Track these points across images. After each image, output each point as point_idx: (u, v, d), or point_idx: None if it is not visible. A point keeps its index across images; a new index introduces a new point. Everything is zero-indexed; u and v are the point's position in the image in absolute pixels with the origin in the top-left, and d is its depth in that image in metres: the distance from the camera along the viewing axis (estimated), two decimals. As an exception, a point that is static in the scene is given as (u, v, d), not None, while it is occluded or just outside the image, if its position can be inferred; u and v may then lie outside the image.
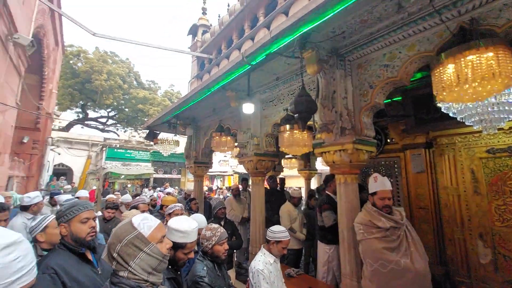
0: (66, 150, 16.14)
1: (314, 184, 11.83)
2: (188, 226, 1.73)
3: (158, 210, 4.01)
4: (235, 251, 4.42)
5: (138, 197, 4.32)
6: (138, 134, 21.26)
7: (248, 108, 3.30)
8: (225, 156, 20.73)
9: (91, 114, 21.75)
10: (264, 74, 3.40)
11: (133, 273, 1.13)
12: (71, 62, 18.53)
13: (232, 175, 21.02)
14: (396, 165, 4.09)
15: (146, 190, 13.24)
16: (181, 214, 2.94)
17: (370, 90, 2.54)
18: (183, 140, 6.75)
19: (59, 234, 1.90)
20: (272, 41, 2.31)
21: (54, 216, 1.97)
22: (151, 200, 5.42)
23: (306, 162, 7.20)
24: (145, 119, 18.10)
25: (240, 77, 3.18)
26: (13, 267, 0.57)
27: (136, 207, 3.44)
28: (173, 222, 1.75)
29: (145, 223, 1.23)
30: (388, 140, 4.23)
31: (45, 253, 1.82)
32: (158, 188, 13.45)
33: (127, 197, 4.57)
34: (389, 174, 4.12)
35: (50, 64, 10.18)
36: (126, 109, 21.70)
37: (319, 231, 3.57)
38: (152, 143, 6.57)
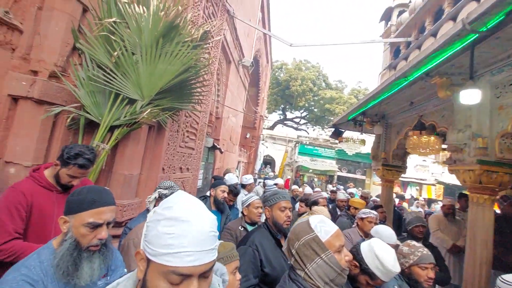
0: (271, 145, 20.36)
1: None
2: (393, 265, 1.35)
3: (346, 210, 3.89)
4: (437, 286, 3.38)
5: (318, 192, 4.48)
6: (325, 132, 22.59)
7: (469, 96, 2.34)
8: (424, 160, 16.93)
9: (289, 115, 25.96)
10: (499, 44, 2.26)
11: (309, 276, 1.08)
12: (276, 74, 23.09)
13: (433, 185, 16.74)
14: None
15: (330, 186, 13.79)
16: (375, 223, 2.64)
17: None
18: (369, 139, 6.18)
19: (257, 213, 2.31)
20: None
21: (257, 197, 2.41)
22: (348, 197, 5.12)
23: None
24: (331, 118, 18.82)
25: (455, 56, 2.32)
26: (164, 240, 0.58)
27: (316, 202, 3.51)
28: (380, 248, 1.42)
29: (322, 226, 1.14)
30: None
31: (247, 225, 2.28)
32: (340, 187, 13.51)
33: (309, 191, 4.88)
34: None
35: (263, 78, 13.22)
36: (315, 110, 23.78)
37: None
38: (337, 141, 6.62)
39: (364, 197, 5.92)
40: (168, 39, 2.28)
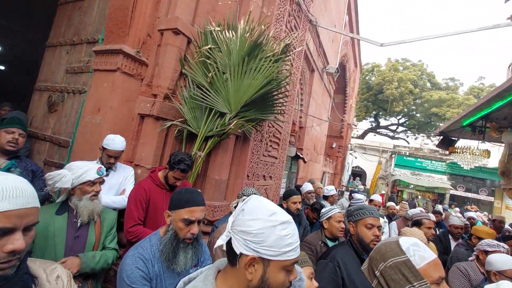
0: (361, 155, 18.67)
1: None
2: None
3: (467, 240, 3.15)
4: None
5: (422, 212, 3.75)
6: (432, 141, 19.02)
7: None
8: None
9: (382, 122, 23.24)
10: None
11: None
12: (366, 78, 21.21)
13: None
14: None
15: (439, 206, 11.38)
16: None
17: None
18: (495, 150, 4.82)
19: (339, 228, 2.16)
20: None
21: (339, 210, 2.27)
22: (465, 223, 4.16)
23: None
24: (440, 124, 15.70)
25: None
26: (285, 241, 0.70)
27: (419, 223, 2.94)
28: None
29: (416, 250, 0.98)
30: None
31: (327, 241, 2.15)
32: (457, 209, 10.90)
33: (415, 211, 4.12)
34: None
35: (351, 83, 12.42)
36: (417, 115, 20.41)
37: None
38: (447, 152, 5.45)
39: (498, 224, 4.58)
40: (252, 56, 2.49)
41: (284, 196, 2.72)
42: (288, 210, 2.60)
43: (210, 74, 2.45)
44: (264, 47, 2.51)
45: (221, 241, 0.74)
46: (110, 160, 2.10)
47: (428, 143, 19.12)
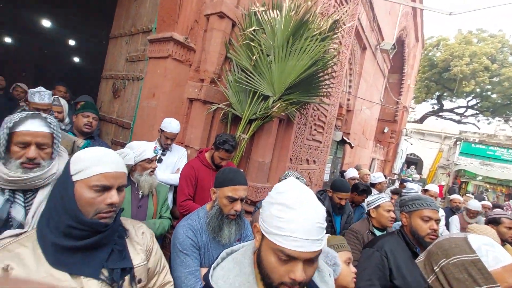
0: (418, 141, 16.89)
1: None
2: None
3: None
4: None
5: (498, 209, 3.25)
6: (511, 126, 16.19)
7: None
8: None
9: (447, 104, 20.45)
10: None
11: None
12: (429, 54, 18.64)
13: None
14: None
15: (513, 202, 9.79)
16: None
17: None
18: None
19: (389, 217, 2.04)
20: None
21: (387, 199, 2.14)
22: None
23: None
24: (524, 106, 13.16)
25: None
26: (276, 222, 0.67)
27: (496, 221, 2.50)
28: None
29: (490, 251, 0.88)
30: None
31: (375, 230, 2.05)
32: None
33: (474, 204, 3.63)
34: None
35: (410, 61, 11.08)
36: (493, 95, 17.38)
37: None
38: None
39: None
40: (297, 36, 2.39)
41: (332, 186, 2.54)
42: (331, 200, 2.53)
43: (254, 57, 2.44)
44: (310, 25, 2.39)
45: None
46: (167, 141, 2.32)
47: (505, 128, 16.26)
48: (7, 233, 1.01)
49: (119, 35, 3.45)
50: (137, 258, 0.95)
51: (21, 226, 1.07)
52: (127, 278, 0.89)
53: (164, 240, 2.27)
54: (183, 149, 2.56)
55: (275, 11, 2.44)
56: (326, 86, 2.87)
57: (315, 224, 0.66)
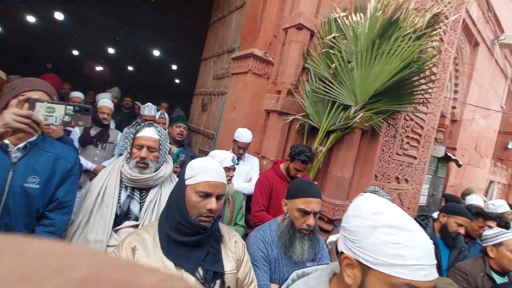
0: None
1: None
2: None
3: None
4: None
5: None
6: None
7: None
8: None
9: None
10: None
11: None
12: None
13: None
14: None
15: None
16: None
17: None
18: None
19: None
20: None
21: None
22: None
23: None
24: None
25: None
26: (389, 249, 0.53)
27: None
28: None
29: None
30: None
31: (494, 274, 1.54)
32: None
33: None
34: None
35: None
36: None
37: None
38: None
39: None
40: (385, 37, 2.14)
41: (448, 209, 2.03)
42: (443, 228, 1.98)
43: (334, 65, 2.31)
44: (402, 23, 2.10)
45: (333, 237, 0.67)
46: (239, 150, 2.42)
47: None
48: (127, 223, 1.27)
49: (209, 56, 3.92)
50: (228, 265, 0.99)
51: (136, 219, 1.29)
52: (218, 282, 0.94)
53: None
54: (256, 159, 2.62)
55: (358, 14, 2.27)
56: (422, 92, 2.45)
57: (431, 246, 0.56)
